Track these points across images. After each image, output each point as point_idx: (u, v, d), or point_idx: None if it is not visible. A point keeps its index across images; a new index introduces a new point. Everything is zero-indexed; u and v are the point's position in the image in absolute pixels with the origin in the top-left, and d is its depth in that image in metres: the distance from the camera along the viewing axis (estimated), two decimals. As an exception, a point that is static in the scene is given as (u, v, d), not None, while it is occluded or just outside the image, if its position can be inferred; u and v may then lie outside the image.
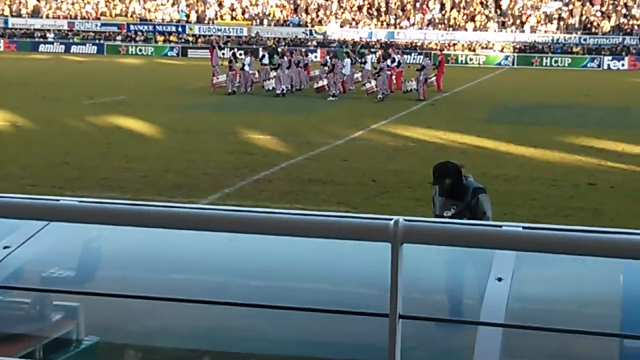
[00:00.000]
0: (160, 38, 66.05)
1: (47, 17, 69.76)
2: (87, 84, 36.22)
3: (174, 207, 3.44)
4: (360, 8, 66.96)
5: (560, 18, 63.38)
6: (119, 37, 66.46)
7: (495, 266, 3.71)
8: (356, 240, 2.65)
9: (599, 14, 63.07)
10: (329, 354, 4.08)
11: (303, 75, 36.41)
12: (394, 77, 35.31)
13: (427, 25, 64.43)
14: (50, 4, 70.69)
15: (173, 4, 69.71)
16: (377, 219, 2.69)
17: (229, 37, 64.03)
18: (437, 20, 64.56)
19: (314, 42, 62.95)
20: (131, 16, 69.10)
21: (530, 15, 63.60)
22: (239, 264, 4.32)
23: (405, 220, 2.57)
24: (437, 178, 7.78)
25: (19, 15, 70.12)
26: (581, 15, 63.25)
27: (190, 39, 65.82)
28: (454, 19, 64.16)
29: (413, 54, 54.30)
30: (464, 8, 64.91)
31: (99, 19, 69.02)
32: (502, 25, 63.32)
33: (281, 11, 67.99)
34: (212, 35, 64.53)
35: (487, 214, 7.69)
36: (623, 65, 56.54)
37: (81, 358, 4.18)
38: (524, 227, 3.36)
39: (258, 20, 67.28)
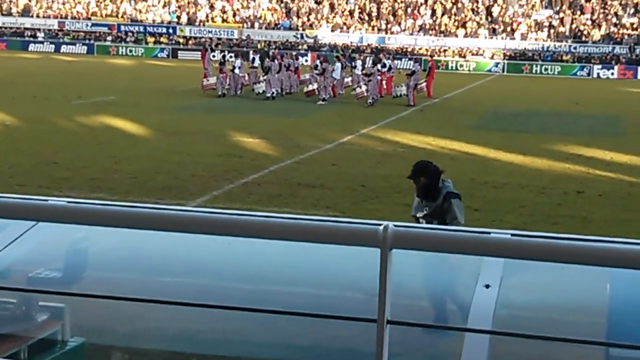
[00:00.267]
0: (150, 39, 65.95)
1: (38, 16, 69.58)
2: (76, 84, 36.12)
3: (162, 209, 3.42)
4: (351, 13, 67.04)
5: (550, 26, 63.62)
6: (109, 38, 66.34)
7: (484, 273, 3.71)
8: (346, 245, 2.65)
9: (589, 22, 63.34)
10: (316, 359, 4.08)
11: (293, 78, 36.40)
12: (384, 82, 35.38)
13: (418, 31, 64.56)
14: (41, 3, 70.50)
15: (164, 5, 69.62)
16: (366, 224, 2.69)
17: (219, 39, 63.91)
18: (428, 26, 64.71)
19: (305, 46, 62.99)
20: (122, 17, 68.98)
21: (520, 22, 63.80)
22: (227, 267, 4.31)
23: (395, 226, 2.57)
24: (414, 173, 7.95)
25: (9, 14, 69.89)
26: (572, 23, 63.51)
27: (181, 40, 65.78)
28: (445, 25, 64.32)
29: (404, 59, 54.43)
30: (455, 14, 65.08)
31: (89, 19, 68.86)
32: (493, 32, 63.50)
33: (272, 14, 67.99)
34: (202, 37, 64.51)
35: (458, 219, 7.76)
36: (612, 74, 56.77)
37: (66, 359, 4.16)
38: (512, 235, 3.37)
39: (249, 23, 67.26)
